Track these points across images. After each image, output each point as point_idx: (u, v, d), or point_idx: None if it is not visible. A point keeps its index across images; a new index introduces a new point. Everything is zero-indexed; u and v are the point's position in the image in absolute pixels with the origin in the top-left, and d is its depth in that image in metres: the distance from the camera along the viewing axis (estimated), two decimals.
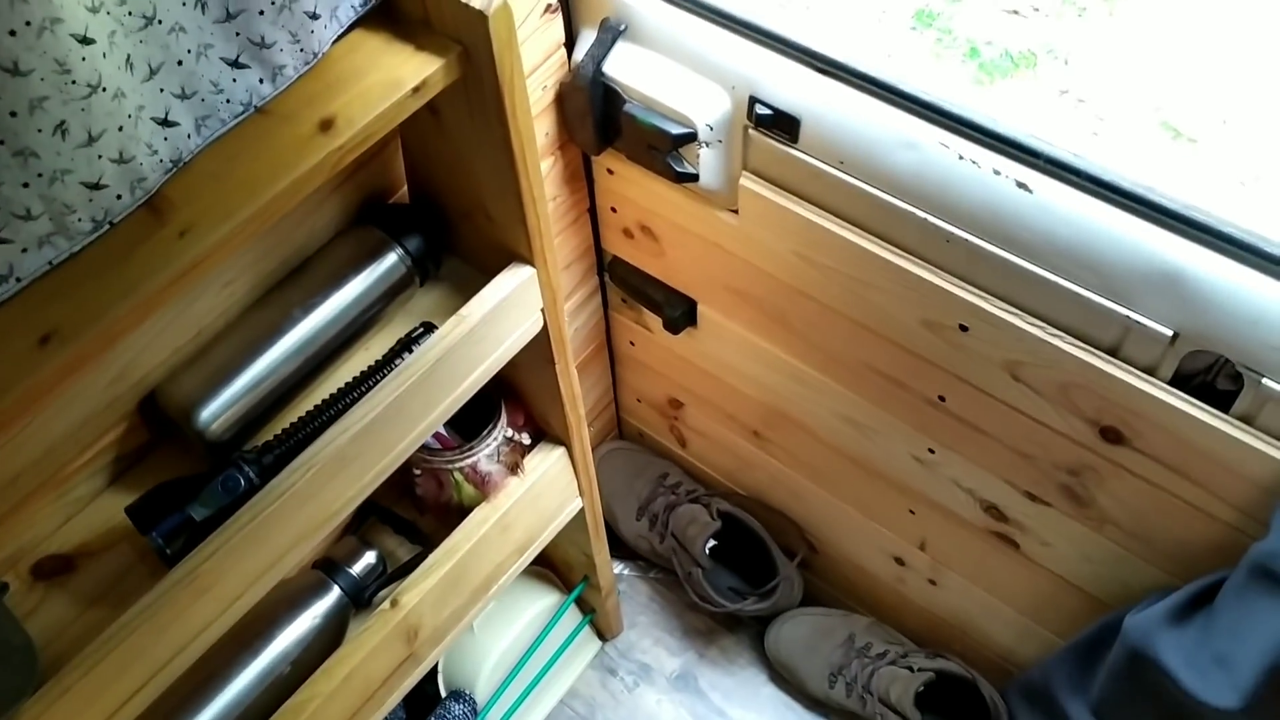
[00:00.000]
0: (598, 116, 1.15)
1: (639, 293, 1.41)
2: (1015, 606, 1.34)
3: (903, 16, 3.34)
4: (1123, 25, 2.76)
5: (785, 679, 1.60)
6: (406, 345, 0.96)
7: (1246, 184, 2.39)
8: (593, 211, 1.36)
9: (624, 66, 1.11)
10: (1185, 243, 0.87)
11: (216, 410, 0.90)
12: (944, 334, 1.07)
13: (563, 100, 1.17)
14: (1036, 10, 3.26)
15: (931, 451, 1.23)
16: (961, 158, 0.95)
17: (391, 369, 0.95)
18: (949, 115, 0.94)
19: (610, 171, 1.27)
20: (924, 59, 3.16)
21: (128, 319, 0.68)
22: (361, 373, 0.96)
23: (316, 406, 0.94)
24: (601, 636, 1.67)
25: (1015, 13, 3.28)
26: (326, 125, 0.76)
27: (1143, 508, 1.06)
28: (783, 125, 1.05)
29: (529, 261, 0.97)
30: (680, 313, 1.37)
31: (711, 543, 1.54)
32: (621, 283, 1.43)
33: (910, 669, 1.43)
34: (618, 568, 1.70)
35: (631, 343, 1.54)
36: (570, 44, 1.15)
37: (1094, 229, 0.90)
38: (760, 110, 1.05)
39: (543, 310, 1.02)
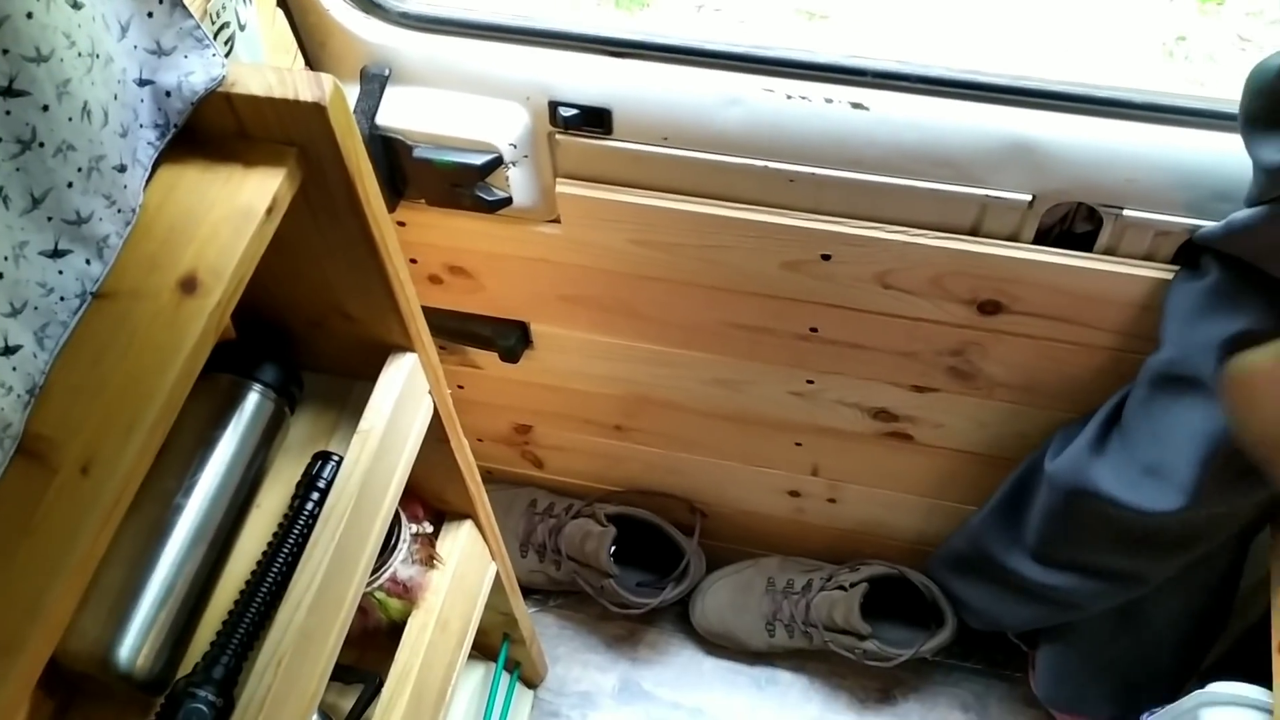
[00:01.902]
0: (384, 173, 1.06)
1: (461, 335, 1.33)
2: (918, 493, 1.39)
3: None
4: None
5: (723, 646, 1.59)
6: (311, 486, 0.85)
7: (933, 46, 2.57)
8: None
9: (401, 113, 1.02)
10: (1023, 111, 0.91)
11: (134, 644, 0.76)
12: (807, 269, 1.07)
13: None
14: None
15: (810, 382, 1.25)
16: (790, 97, 0.94)
17: (305, 518, 0.83)
18: (767, 60, 0.93)
19: (402, 224, 1.17)
20: (563, 6, 3.17)
21: (65, 599, 0.55)
22: (275, 535, 0.84)
23: (243, 594, 0.81)
24: (530, 684, 1.59)
25: None
26: (189, 285, 0.64)
27: (1029, 362, 1.11)
28: (592, 120, 1.00)
29: (408, 348, 0.88)
30: (514, 340, 1.30)
31: (612, 549, 1.50)
32: (438, 331, 1.32)
33: (842, 587, 1.46)
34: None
35: (460, 386, 1.45)
36: None
37: (936, 126, 0.92)
38: (564, 113, 0.99)
39: (430, 391, 0.93)
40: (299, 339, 0.90)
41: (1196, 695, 1.15)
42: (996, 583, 1.31)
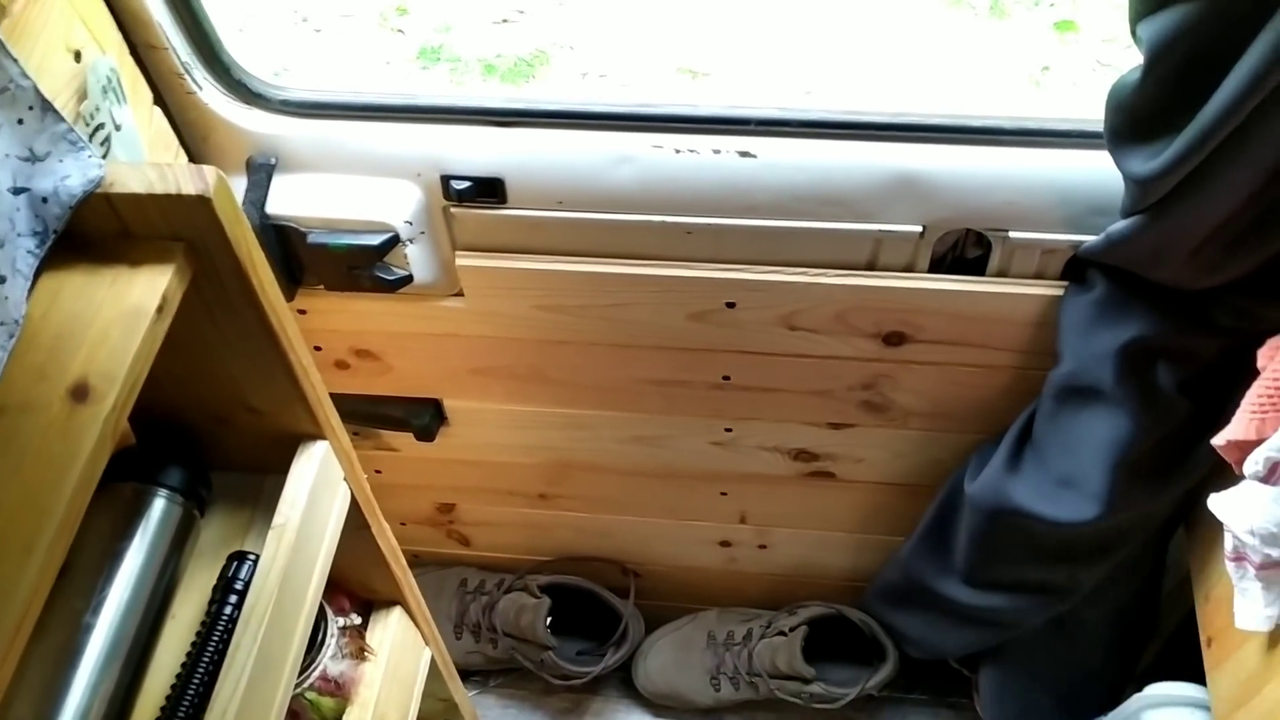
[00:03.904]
0: (279, 262, 1.04)
1: (373, 418, 1.30)
2: (846, 529, 1.40)
3: (406, 61, 3.33)
4: (594, 2, 2.94)
5: (670, 706, 1.57)
6: (228, 590, 0.82)
7: (812, 92, 2.64)
8: None
9: (291, 200, 1.00)
10: (904, 146, 0.93)
11: None
12: (713, 318, 1.08)
13: None
14: (522, 13, 3.38)
15: (729, 430, 1.25)
16: (679, 151, 0.95)
17: (224, 623, 0.80)
18: (653, 117, 0.95)
19: (302, 312, 1.15)
20: (448, 89, 3.18)
21: None
22: (193, 645, 0.80)
23: (163, 710, 0.77)
24: None
25: (505, 21, 3.38)
26: (80, 393, 0.61)
27: (938, 389, 1.14)
28: (486, 191, 1.00)
29: (318, 436, 0.86)
30: (428, 418, 1.28)
31: (548, 620, 1.47)
32: (349, 417, 1.30)
33: (782, 633, 1.45)
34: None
35: (377, 471, 1.42)
36: None
37: (823, 167, 0.95)
38: (457, 186, 0.99)
39: (346, 478, 0.90)
40: (204, 437, 0.87)
41: (1137, 699, 1.17)
42: (932, 610, 1.32)
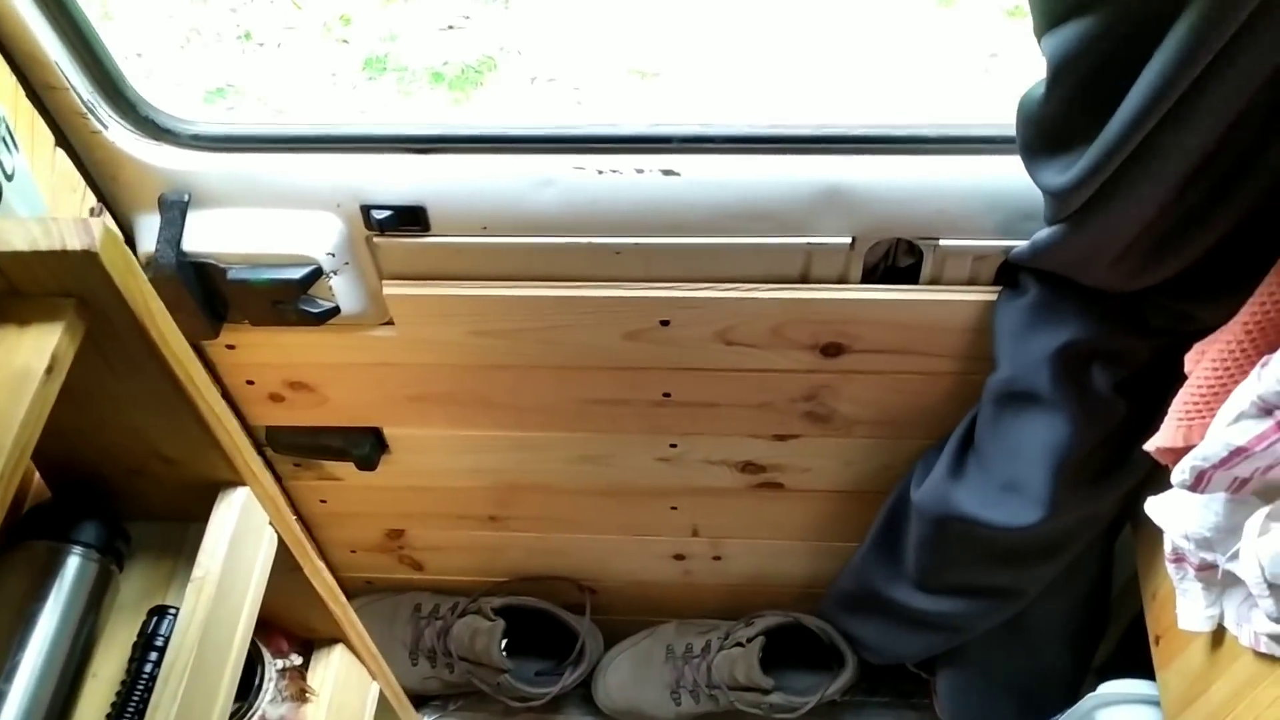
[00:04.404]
0: (200, 299, 1.01)
1: (312, 449, 1.28)
2: (799, 538, 1.39)
3: (352, 72, 3.28)
4: (541, 5, 2.91)
5: None
6: (149, 647, 0.79)
7: (762, 89, 2.62)
8: (226, 396, 1.20)
9: (209, 236, 0.98)
10: (829, 158, 0.92)
11: None
12: (649, 337, 1.07)
13: None
14: (468, 18, 3.35)
15: (674, 446, 1.24)
16: (601, 172, 0.94)
17: (145, 680, 0.78)
18: (574, 139, 0.93)
19: (231, 348, 1.12)
20: (396, 100, 3.14)
21: None
22: (114, 705, 0.78)
23: None
24: None
25: (451, 27, 3.34)
26: None
27: (879, 397, 1.13)
28: (408, 220, 0.98)
29: (237, 482, 0.83)
30: (368, 447, 1.26)
31: (503, 642, 1.45)
32: (288, 449, 1.29)
33: (740, 644, 1.44)
34: None
35: (323, 500, 1.40)
36: (130, 240, 0.99)
37: (749, 182, 0.93)
38: (378, 215, 0.97)
39: (271, 522, 0.88)
40: (119, 490, 0.85)
41: (1090, 698, 1.17)
42: (886, 616, 1.31)
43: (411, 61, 3.04)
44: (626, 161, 0.93)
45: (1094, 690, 1.17)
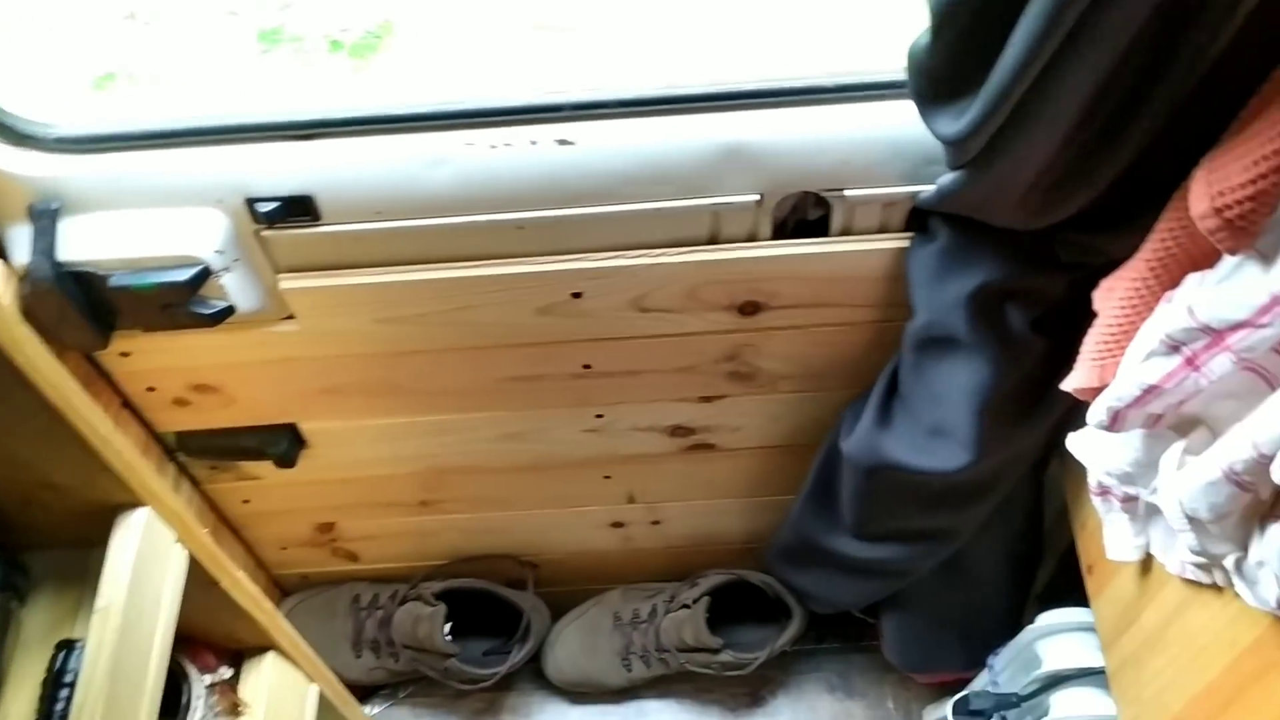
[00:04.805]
0: (84, 309, 0.96)
1: (227, 451, 1.24)
2: (735, 495, 1.38)
3: (248, 45, 3.17)
4: None
5: (585, 693, 1.55)
6: (58, 684, 0.76)
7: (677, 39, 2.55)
8: (128, 405, 1.15)
9: (85, 243, 0.93)
10: (728, 115, 0.90)
11: None
12: (561, 310, 1.04)
13: (32, 312, 0.96)
14: None
15: (600, 416, 1.21)
16: (494, 147, 0.90)
17: (58, 713, 0.74)
18: (462, 114, 0.89)
19: (125, 355, 1.07)
20: (299, 72, 3.04)
21: None
22: None
23: None
24: None
25: None
26: None
27: (801, 351, 1.11)
28: (296, 210, 0.94)
29: (137, 502, 0.79)
30: (285, 444, 1.22)
31: (447, 626, 1.43)
32: (201, 453, 1.24)
33: (685, 606, 1.44)
34: (370, 712, 1.54)
35: (245, 501, 1.36)
36: (2, 253, 0.94)
37: (647, 147, 0.90)
38: (263, 208, 0.93)
39: (179, 540, 0.85)
40: (11, 521, 0.81)
41: (1029, 630, 1.18)
42: (827, 566, 1.31)
43: (306, 31, 2.93)
44: (519, 134, 0.90)
45: (1034, 620, 1.18)
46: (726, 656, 1.42)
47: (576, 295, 1.02)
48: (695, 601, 1.43)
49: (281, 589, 1.57)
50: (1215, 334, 0.60)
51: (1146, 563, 0.92)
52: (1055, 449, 1.14)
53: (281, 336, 1.05)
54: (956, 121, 0.72)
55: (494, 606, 1.50)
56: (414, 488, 1.35)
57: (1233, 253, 0.57)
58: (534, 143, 0.89)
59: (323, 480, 1.31)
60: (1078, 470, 1.06)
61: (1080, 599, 1.11)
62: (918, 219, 0.96)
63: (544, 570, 1.54)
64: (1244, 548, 0.66)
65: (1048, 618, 1.15)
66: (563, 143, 0.89)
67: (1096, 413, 0.70)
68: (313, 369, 1.11)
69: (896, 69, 0.88)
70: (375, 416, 1.20)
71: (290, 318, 1.04)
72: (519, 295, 1.02)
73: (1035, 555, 1.29)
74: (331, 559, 1.50)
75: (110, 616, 0.75)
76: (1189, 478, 0.65)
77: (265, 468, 1.26)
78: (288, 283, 1.00)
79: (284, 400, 1.16)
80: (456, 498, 1.37)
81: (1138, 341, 0.66)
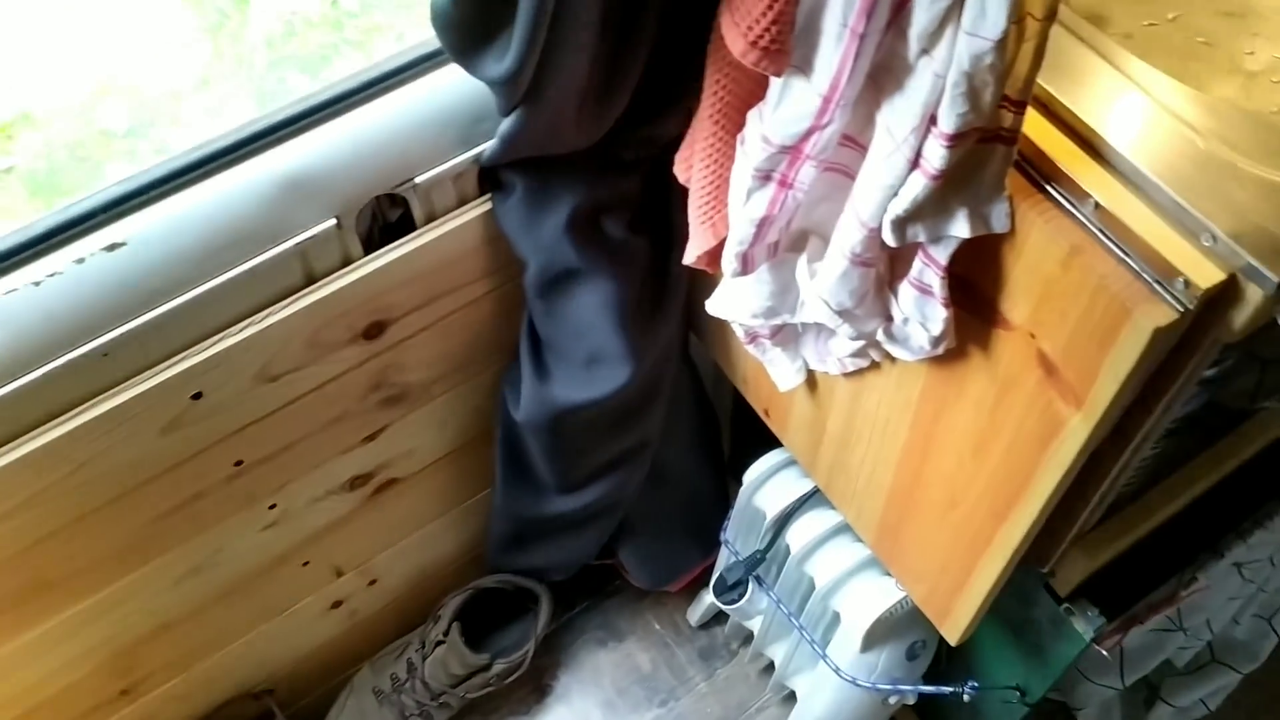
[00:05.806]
0: None
1: None
2: (438, 517, 1.36)
3: None
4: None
5: None
6: None
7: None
8: None
9: None
10: (264, 156, 0.87)
11: None
12: (189, 418, 0.96)
13: None
14: None
15: (273, 506, 1.14)
16: (38, 283, 0.80)
17: None
18: None
19: None
20: None
21: None
22: None
23: None
24: None
25: None
26: None
27: (440, 350, 1.11)
28: None
29: None
30: None
31: None
32: None
33: (439, 642, 1.40)
34: None
35: None
36: None
37: (202, 215, 0.85)
38: None
39: None
40: None
41: (741, 494, 1.27)
42: (549, 534, 1.33)
43: None
44: (58, 259, 0.81)
45: (740, 484, 1.27)
46: (499, 667, 1.41)
47: (197, 396, 0.94)
48: (446, 634, 1.39)
49: None
50: (792, 149, 0.67)
51: (810, 381, 1.02)
52: (688, 328, 1.23)
53: None
54: (501, 61, 0.74)
55: None
56: (104, 681, 1.19)
57: (779, 75, 0.64)
58: (80, 261, 0.81)
59: None
60: (718, 334, 1.16)
61: (769, 445, 1.22)
62: (489, 178, 0.98)
63: (282, 690, 1.43)
64: (888, 315, 0.76)
65: (751, 473, 1.25)
66: (112, 247, 0.82)
67: (729, 263, 0.76)
68: None
69: (405, 50, 0.89)
70: (27, 629, 1.04)
71: None
72: (134, 425, 0.92)
73: (714, 430, 1.39)
74: None
75: None
76: (823, 279, 0.73)
77: None
78: None
79: None
80: (157, 668, 1.23)
81: (734, 187, 0.73)
